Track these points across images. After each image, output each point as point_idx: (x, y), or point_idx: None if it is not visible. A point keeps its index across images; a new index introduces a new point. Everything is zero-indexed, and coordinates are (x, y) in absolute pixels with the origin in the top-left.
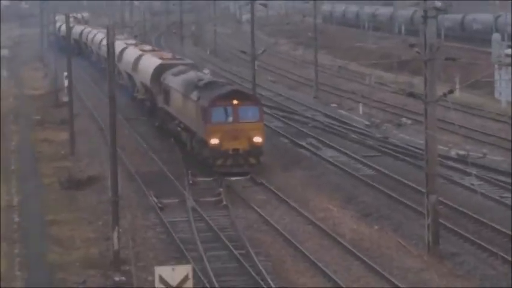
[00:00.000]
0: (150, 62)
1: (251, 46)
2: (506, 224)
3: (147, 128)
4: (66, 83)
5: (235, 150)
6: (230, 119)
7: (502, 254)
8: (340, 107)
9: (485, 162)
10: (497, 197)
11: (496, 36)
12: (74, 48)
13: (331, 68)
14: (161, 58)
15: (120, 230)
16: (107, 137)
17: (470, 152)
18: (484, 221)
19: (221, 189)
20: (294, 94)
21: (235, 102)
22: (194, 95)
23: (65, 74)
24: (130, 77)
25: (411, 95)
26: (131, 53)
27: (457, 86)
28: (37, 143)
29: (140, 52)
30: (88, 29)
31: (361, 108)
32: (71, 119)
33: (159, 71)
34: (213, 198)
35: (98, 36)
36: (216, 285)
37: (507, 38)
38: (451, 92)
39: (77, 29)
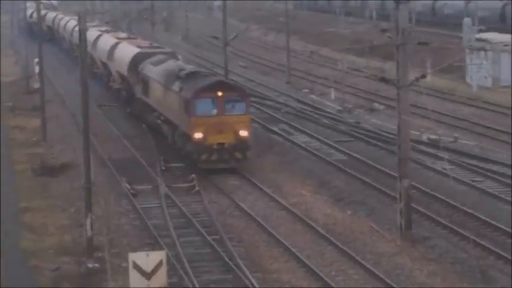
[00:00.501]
0: (127, 50)
1: (223, 32)
2: (478, 208)
3: (120, 115)
4: (37, 69)
5: (221, 144)
6: (215, 111)
7: (474, 238)
8: (312, 92)
9: (456, 147)
10: (469, 181)
11: (467, 20)
12: (45, 35)
13: (303, 54)
14: (138, 46)
15: (93, 216)
16: (79, 123)
17: (442, 136)
18: (456, 205)
19: (194, 175)
20: (266, 80)
21: (220, 94)
22: (176, 86)
23: (36, 60)
24: (105, 65)
25: (383, 80)
26: (106, 41)
27: (429, 71)
28: (9, 130)
29: (116, 40)
30: (60, 16)
31: (333, 93)
32: (42, 105)
33: (137, 60)
34: (186, 184)
35: (70, 23)
36: (190, 271)
37: (478, 22)
38: (423, 76)
39: (50, 15)
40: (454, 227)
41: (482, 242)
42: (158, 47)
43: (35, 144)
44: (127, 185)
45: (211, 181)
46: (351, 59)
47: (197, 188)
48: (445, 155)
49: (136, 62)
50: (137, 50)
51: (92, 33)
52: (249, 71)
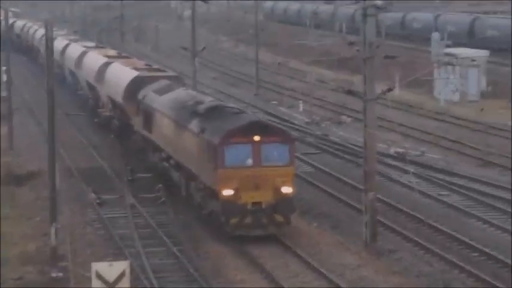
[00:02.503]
0: (122, 73)
1: (191, 43)
2: (443, 221)
3: (88, 124)
4: (4, 77)
5: (257, 204)
6: (250, 161)
7: (439, 251)
8: (281, 104)
9: (423, 160)
10: (434, 195)
11: (435, 35)
12: (17, 46)
13: (272, 65)
14: (135, 68)
15: (58, 226)
16: (47, 132)
17: (409, 150)
18: (422, 218)
19: (160, 185)
20: (234, 91)
21: (257, 138)
22: (194, 125)
23: (3, 68)
24: (92, 88)
25: (350, 92)
26: (93, 59)
27: (397, 84)
28: None
29: (105, 59)
30: (29, 24)
31: (301, 105)
32: (9, 113)
33: (135, 85)
34: (152, 195)
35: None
36: (154, 282)
37: (446, 37)
38: (390, 90)
39: (19, 24)
40: (420, 241)
41: (447, 256)
42: (159, 70)
43: (2, 153)
44: (93, 195)
45: (178, 192)
46: (319, 72)
47: (163, 199)
48: (411, 168)
49: (134, 88)
50: (135, 73)
51: (75, 49)
52: (218, 82)
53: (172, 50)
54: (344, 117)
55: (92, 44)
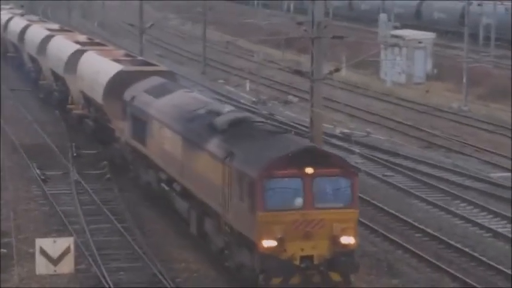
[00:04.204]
0: (100, 65)
1: (139, 20)
2: (387, 202)
3: (33, 101)
4: None
5: (307, 258)
6: (299, 201)
7: (382, 231)
8: (228, 83)
9: (368, 141)
10: (379, 176)
11: (382, 16)
12: None
13: (220, 44)
14: (116, 60)
15: (1, 201)
16: None
17: (355, 130)
18: (366, 198)
19: (105, 162)
20: (181, 69)
21: (309, 170)
22: (215, 146)
23: None
24: (59, 79)
25: (297, 72)
26: (61, 46)
27: (344, 65)
28: None
29: (76, 46)
30: None
31: (248, 84)
32: None
33: (119, 82)
34: (98, 171)
35: None
36: (98, 258)
37: (394, 18)
38: (337, 70)
39: None
40: (364, 221)
41: (390, 236)
42: (147, 63)
43: None
44: (37, 171)
45: (123, 168)
46: (267, 51)
47: (108, 175)
48: (357, 149)
49: (118, 85)
50: (117, 66)
51: (37, 32)
52: (165, 59)
53: (119, 26)
54: (291, 97)
55: (57, 27)
